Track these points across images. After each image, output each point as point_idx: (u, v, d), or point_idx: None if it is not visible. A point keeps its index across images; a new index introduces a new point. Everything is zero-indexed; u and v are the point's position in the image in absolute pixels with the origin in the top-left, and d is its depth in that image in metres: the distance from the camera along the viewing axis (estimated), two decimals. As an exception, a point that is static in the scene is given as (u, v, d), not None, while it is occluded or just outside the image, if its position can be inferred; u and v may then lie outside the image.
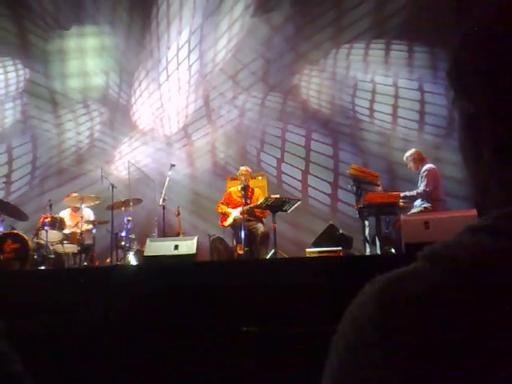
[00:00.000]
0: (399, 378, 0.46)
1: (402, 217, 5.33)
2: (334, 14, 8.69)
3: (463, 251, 0.48)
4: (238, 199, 6.78)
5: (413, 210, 6.01)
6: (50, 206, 6.97)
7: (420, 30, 7.88)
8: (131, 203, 6.96)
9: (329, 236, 6.42)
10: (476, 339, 0.45)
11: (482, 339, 0.45)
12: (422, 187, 5.94)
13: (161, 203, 6.96)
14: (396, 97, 8.45)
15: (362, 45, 8.63)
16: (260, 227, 6.65)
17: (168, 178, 7.20)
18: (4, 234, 6.50)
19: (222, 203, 7.06)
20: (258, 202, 6.63)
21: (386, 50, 8.54)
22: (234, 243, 6.79)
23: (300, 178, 8.66)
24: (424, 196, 5.92)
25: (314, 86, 8.93)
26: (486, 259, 0.47)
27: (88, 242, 6.99)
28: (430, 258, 0.51)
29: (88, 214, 7.21)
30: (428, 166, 6.09)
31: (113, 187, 6.78)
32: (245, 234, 6.36)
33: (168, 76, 9.34)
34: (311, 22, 8.77)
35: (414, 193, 5.98)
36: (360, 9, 8.51)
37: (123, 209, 6.97)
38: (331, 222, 6.72)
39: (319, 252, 5.82)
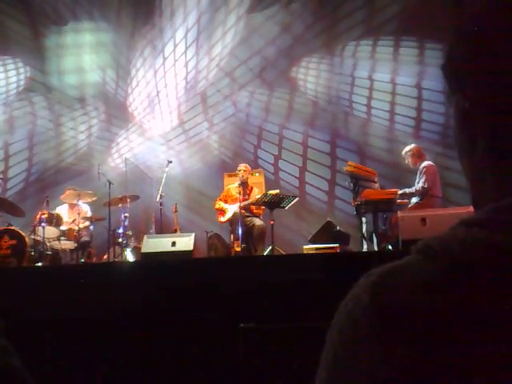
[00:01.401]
0: (395, 370, 0.46)
1: (399, 213, 5.34)
2: (332, 11, 8.68)
3: (457, 244, 0.48)
4: (237, 195, 6.78)
5: (409, 206, 6.02)
6: (47, 202, 6.95)
7: (417, 26, 7.89)
8: (128, 200, 6.94)
9: (326, 233, 6.43)
10: (469, 330, 0.45)
11: (475, 330, 0.45)
12: (420, 184, 5.95)
13: (158, 200, 6.96)
14: (393, 94, 8.45)
15: (359, 42, 8.63)
16: (257, 224, 6.66)
17: (165, 175, 7.19)
18: (1, 230, 6.49)
19: (220, 200, 7.06)
20: (255, 198, 6.64)
21: (381, 47, 8.54)
22: (232, 240, 6.79)
23: (297, 175, 8.66)
24: (423, 193, 5.92)
25: (311, 83, 8.92)
26: (479, 252, 0.47)
27: (85, 238, 6.97)
28: (423, 251, 0.51)
29: (85, 210, 7.20)
30: (426, 162, 6.10)
31: (110, 184, 6.76)
32: (242, 231, 6.37)
33: (165, 72, 9.32)
34: (308, 18, 8.76)
35: (412, 190, 5.99)
36: (357, 6, 8.51)
37: (120, 205, 6.96)
38: (328, 219, 6.73)
39: (316, 249, 5.83)
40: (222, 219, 6.92)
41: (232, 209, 6.81)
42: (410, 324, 0.47)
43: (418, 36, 8.18)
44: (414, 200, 6.03)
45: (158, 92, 9.34)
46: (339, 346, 0.51)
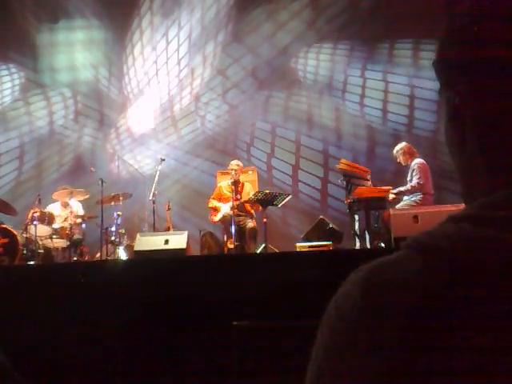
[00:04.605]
0: (384, 364, 0.47)
1: (391, 211, 5.36)
2: (326, 10, 8.69)
3: (445, 239, 0.49)
4: (229, 194, 6.78)
5: (401, 204, 6.03)
6: (39, 200, 6.92)
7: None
8: (121, 198, 6.92)
9: (319, 230, 6.45)
10: (457, 324, 0.46)
11: (463, 324, 0.45)
12: (415, 180, 5.96)
13: (151, 198, 6.94)
14: (386, 91, 8.48)
15: (353, 41, 8.66)
16: (249, 222, 6.66)
17: (158, 173, 7.17)
18: (-8, 228, 6.45)
19: (213, 198, 7.05)
20: (248, 195, 6.65)
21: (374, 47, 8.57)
22: (225, 238, 6.79)
23: (290, 173, 8.67)
24: (418, 189, 5.94)
25: (304, 79, 8.93)
26: (467, 247, 0.47)
27: (77, 236, 6.94)
28: (413, 246, 0.52)
29: (77, 208, 7.17)
30: (418, 160, 6.12)
31: (102, 182, 6.74)
32: (235, 229, 6.37)
33: (157, 70, 9.30)
34: (299, 17, 8.76)
35: (408, 187, 6.00)
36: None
37: (113, 203, 6.94)
38: (321, 217, 6.74)
39: (309, 246, 5.84)
40: (215, 219, 6.91)
41: (225, 207, 6.80)
42: (400, 317, 0.47)
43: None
44: (406, 198, 6.04)
45: (150, 90, 9.32)
46: (329, 341, 0.51)
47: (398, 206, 5.97)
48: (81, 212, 7.17)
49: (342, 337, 0.50)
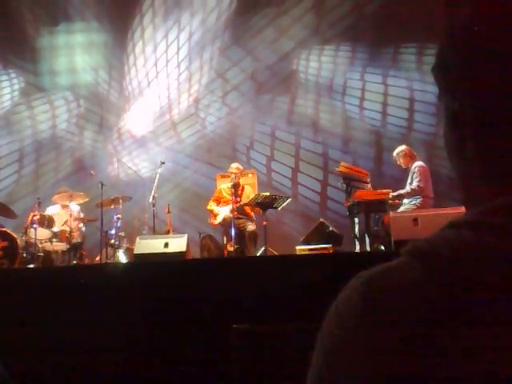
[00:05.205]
0: (383, 371, 0.47)
1: (391, 214, 5.36)
2: (328, 15, 8.71)
3: (445, 246, 0.49)
4: (228, 197, 6.78)
5: (402, 208, 6.03)
6: (39, 203, 6.92)
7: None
8: (120, 201, 6.92)
9: (319, 233, 6.44)
10: (457, 330, 0.46)
11: (462, 330, 0.46)
12: (415, 183, 5.96)
13: (150, 201, 6.94)
14: (386, 95, 8.48)
15: (354, 44, 8.67)
16: (249, 225, 6.66)
17: (158, 176, 7.17)
18: (-8, 232, 6.45)
19: (213, 200, 7.05)
20: (248, 198, 6.65)
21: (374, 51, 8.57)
22: (225, 241, 6.78)
23: (290, 176, 8.67)
24: (418, 192, 5.94)
25: (306, 81, 8.93)
26: (466, 254, 0.48)
27: (77, 239, 6.94)
28: (412, 253, 0.52)
29: (76, 211, 7.17)
30: (418, 163, 6.13)
31: (102, 185, 6.74)
32: (235, 232, 6.37)
33: (157, 73, 9.30)
34: (301, 22, 8.77)
35: (408, 189, 6.00)
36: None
37: (113, 206, 6.94)
38: (321, 220, 6.74)
39: (309, 249, 5.84)
40: (215, 222, 6.91)
41: (224, 211, 6.79)
42: (399, 324, 0.47)
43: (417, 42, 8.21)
44: (406, 201, 6.04)
45: (150, 92, 9.32)
46: (330, 346, 0.51)
47: (399, 210, 5.97)
48: (80, 215, 7.17)
49: (343, 342, 0.50)
